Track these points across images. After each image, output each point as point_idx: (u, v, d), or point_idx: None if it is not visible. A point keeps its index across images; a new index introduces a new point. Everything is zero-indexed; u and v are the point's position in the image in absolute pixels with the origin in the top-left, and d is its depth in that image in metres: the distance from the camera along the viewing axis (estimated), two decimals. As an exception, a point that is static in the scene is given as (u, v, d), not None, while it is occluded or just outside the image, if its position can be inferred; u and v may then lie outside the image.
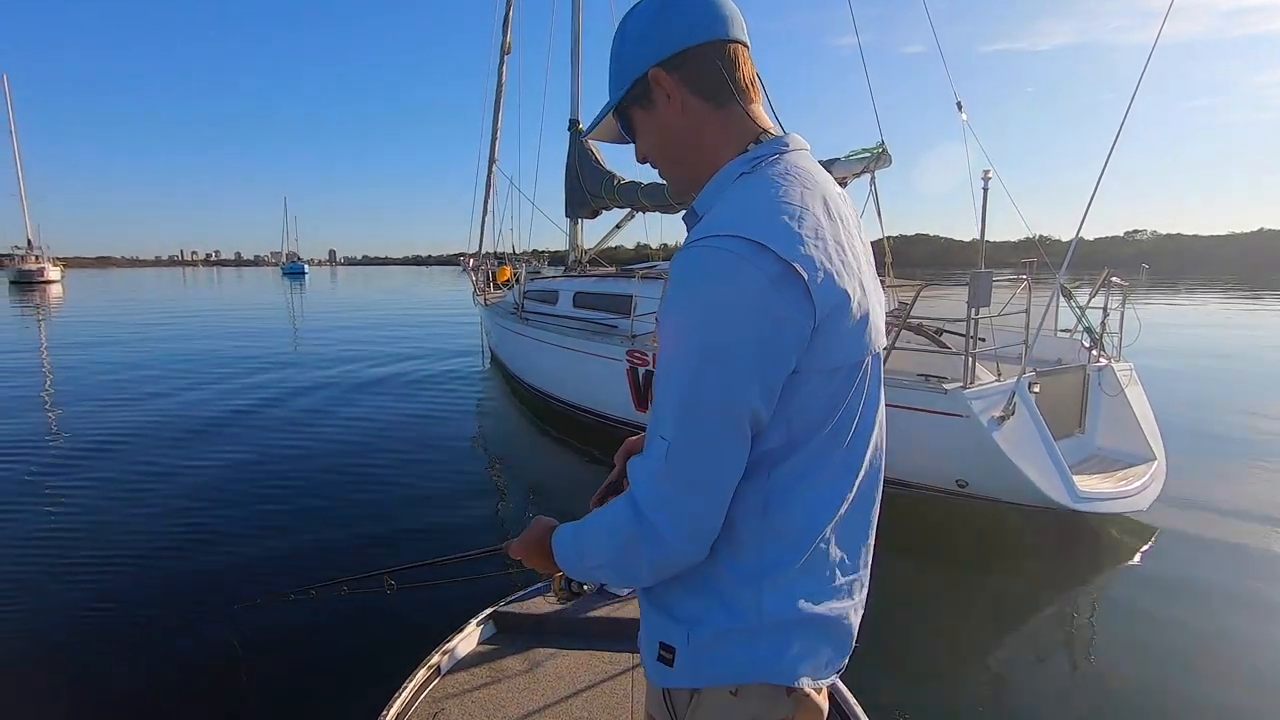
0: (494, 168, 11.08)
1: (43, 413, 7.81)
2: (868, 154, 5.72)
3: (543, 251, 12.42)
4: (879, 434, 0.85)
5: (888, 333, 5.10)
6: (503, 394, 8.96)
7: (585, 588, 1.07)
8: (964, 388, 4.10)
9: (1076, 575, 3.86)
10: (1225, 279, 48.16)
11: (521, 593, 2.48)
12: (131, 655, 2.92)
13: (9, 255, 56.72)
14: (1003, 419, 3.99)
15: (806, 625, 0.78)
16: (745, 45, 0.83)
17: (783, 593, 0.77)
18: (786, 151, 0.80)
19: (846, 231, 0.77)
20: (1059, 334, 5.39)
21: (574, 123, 9.20)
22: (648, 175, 7.71)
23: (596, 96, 10.55)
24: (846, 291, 0.72)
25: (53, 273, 50.15)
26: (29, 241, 53.21)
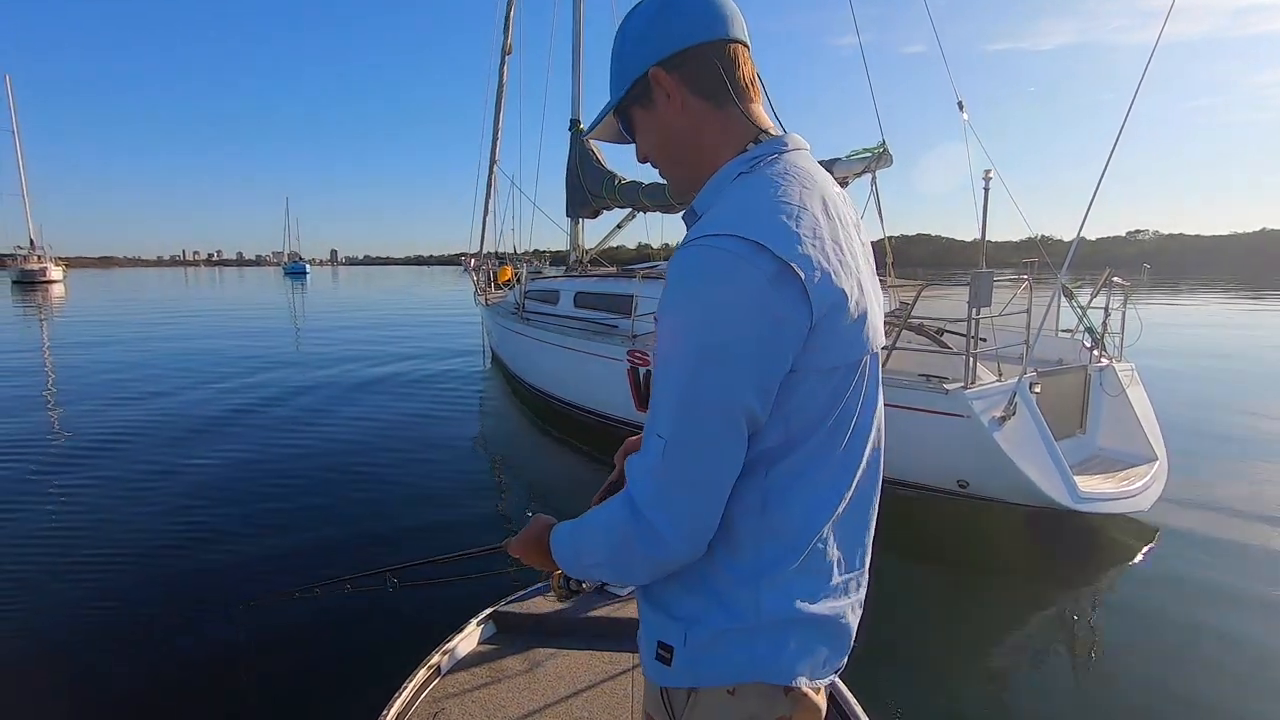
0: (495, 168, 11.09)
1: (45, 412, 7.83)
2: (869, 154, 5.72)
3: (544, 251, 12.43)
4: (878, 433, 0.85)
5: (889, 333, 5.11)
6: (504, 394, 8.97)
7: (584, 586, 1.07)
8: (965, 388, 4.10)
9: (1077, 575, 3.85)
10: (1227, 279, 48.08)
11: (521, 592, 2.48)
12: (134, 654, 2.93)
13: (11, 255, 56.82)
14: (1004, 419, 3.99)
15: (804, 625, 0.78)
16: (745, 45, 0.83)
17: (780, 592, 0.77)
18: (785, 151, 0.80)
19: (845, 231, 0.77)
20: (1060, 334, 5.38)
21: (575, 123, 9.20)
22: (649, 175, 7.71)
23: (597, 96, 10.56)
24: (844, 291, 0.72)
25: (55, 273, 50.21)
26: (31, 241, 53.29)
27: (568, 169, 8.78)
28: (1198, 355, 11.49)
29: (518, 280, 9.52)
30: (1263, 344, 13.56)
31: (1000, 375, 4.37)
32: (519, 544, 0.96)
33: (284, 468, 5.57)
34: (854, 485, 0.82)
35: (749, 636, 0.77)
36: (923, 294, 5.03)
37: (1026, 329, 4.46)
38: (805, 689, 0.80)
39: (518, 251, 11.82)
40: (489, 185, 11.23)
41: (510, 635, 2.31)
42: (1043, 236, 6.03)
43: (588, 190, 8.39)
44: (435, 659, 2.09)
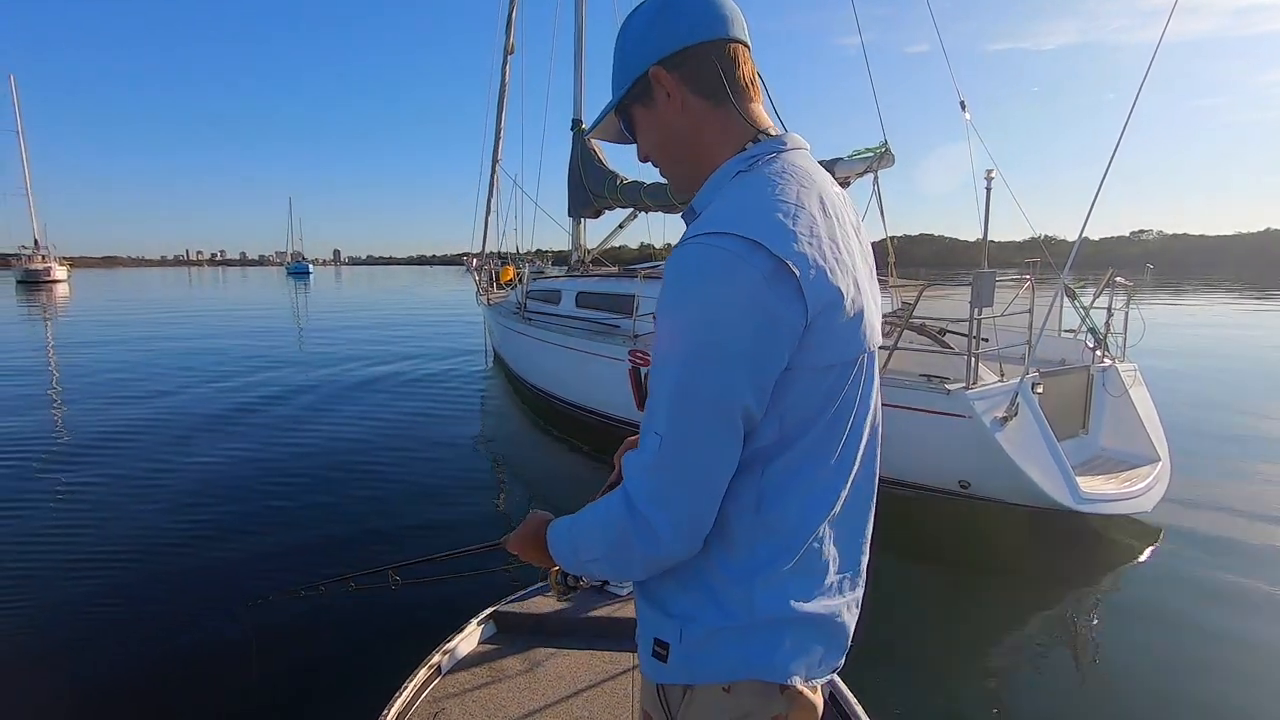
0: (497, 168, 11.09)
1: (50, 410, 7.86)
2: (871, 154, 5.71)
3: (546, 251, 12.43)
4: (874, 432, 0.86)
5: (890, 333, 5.09)
6: (505, 393, 8.97)
7: (582, 582, 1.07)
8: (966, 388, 4.09)
9: (1080, 576, 3.84)
10: (1232, 279, 47.91)
11: (522, 592, 2.48)
12: (136, 651, 2.94)
13: (16, 255, 57.01)
14: (1005, 420, 3.98)
15: (799, 623, 0.79)
16: (746, 45, 0.83)
17: (775, 590, 0.77)
18: (784, 150, 0.80)
19: (843, 229, 0.78)
20: (1063, 334, 5.37)
21: (577, 122, 9.21)
22: (650, 175, 7.71)
23: (599, 96, 10.57)
24: (840, 289, 0.73)
25: (59, 272, 50.38)
26: (35, 241, 53.47)
27: (570, 169, 8.78)
28: (1201, 355, 11.46)
29: (520, 280, 9.53)
30: (1265, 344, 13.52)
31: (1002, 376, 4.36)
32: (516, 540, 0.97)
33: (287, 465, 5.59)
34: (850, 484, 0.82)
35: (743, 635, 0.77)
36: (924, 294, 5.03)
37: (1029, 329, 4.45)
38: (801, 687, 0.80)
39: (520, 251, 11.83)
40: (491, 185, 11.24)
41: (510, 635, 2.31)
42: (1046, 236, 6.02)
43: (590, 190, 8.39)
44: (436, 658, 2.09)
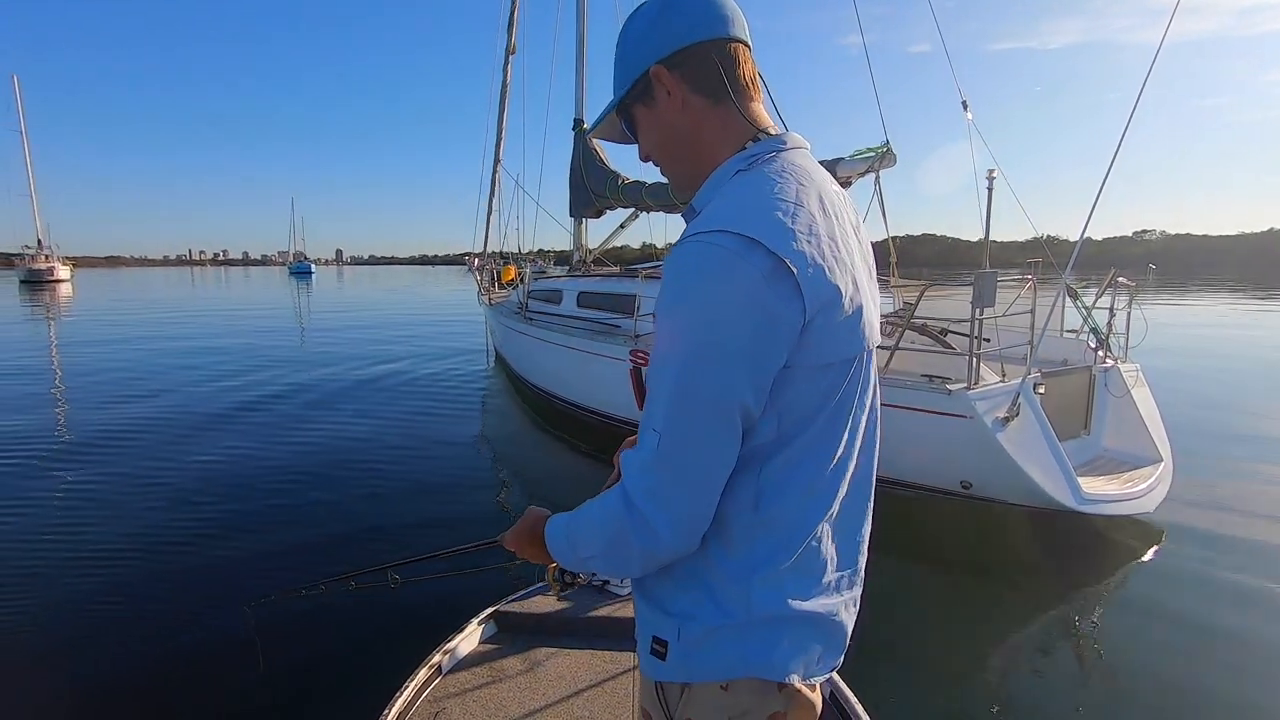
0: (499, 168, 11.10)
1: (54, 409, 7.89)
2: (872, 153, 5.70)
3: (548, 251, 12.44)
4: (873, 430, 0.86)
5: (892, 333, 5.07)
6: (507, 393, 8.98)
7: (580, 578, 1.07)
8: (968, 389, 4.08)
9: (1082, 577, 3.83)
10: (1235, 279, 47.77)
11: (522, 592, 2.48)
12: (138, 650, 2.94)
13: (19, 255, 57.18)
14: (1007, 420, 3.97)
15: (797, 621, 0.79)
16: (746, 44, 0.84)
17: (772, 589, 0.77)
18: (784, 149, 0.81)
19: (842, 228, 0.78)
20: (1065, 334, 5.36)
21: (578, 122, 9.21)
22: (652, 175, 7.71)
23: (600, 96, 10.55)
24: (838, 287, 0.73)
25: (62, 272, 50.52)
26: (39, 241, 53.64)
27: (571, 169, 8.79)
28: (1204, 355, 11.43)
29: (521, 280, 9.53)
30: (1268, 344, 13.48)
31: (1004, 376, 4.35)
32: (513, 537, 0.97)
33: (288, 464, 5.60)
34: (848, 482, 0.82)
35: (741, 633, 0.77)
36: (926, 294, 5.02)
37: (1031, 329, 4.44)
38: (799, 685, 0.80)
39: (522, 251, 11.84)
40: (493, 185, 11.25)
41: (511, 635, 2.31)
42: (1048, 236, 6.01)
43: (591, 190, 8.39)
44: (436, 658, 2.09)
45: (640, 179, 7.91)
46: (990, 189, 4.43)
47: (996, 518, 4.26)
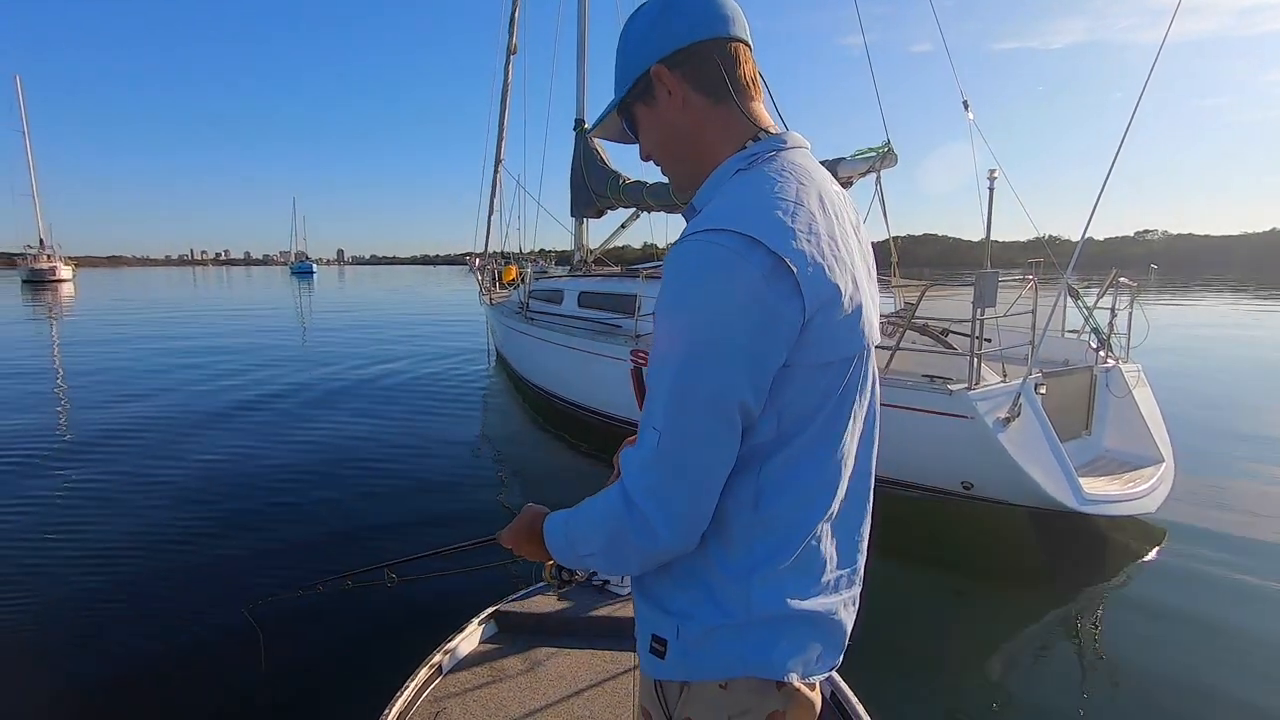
0: (500, 168, 11.11)
1: (56, 408, 7.90)
2: (873, 153, 5.70)
3: (549, 251, 12.45)
4: (873, 429, 0.86)
5: (893, 333, 5.05)
6: (507, 393, 8.98)
7: (577, 575, 1.07)
8: (969, 389, 4.08)
9: (1083, 577, 3.83)
10: (1238, 279, 47.67)
11: (523, 591, 2.48)
12: (141, 649, 2.95)
13: (22, 254, 57.31)
14: (1008, 420, 3.97)
15: (795, 621, 0.79)
16: (747, 44, 0.84)
17: (771, 588, 0.77)
18: (784, 149, 0.81)
19: (841, 227, 0.78)
20: (1066, 335, 5.35)
21: (579, 122, 9.21)
22: (653, 176, 7.71)
23: (602, 96, 10.55)
24: (838, 286, 0.73)
25: (64, 272, 50.61)
26: (41, 240, 53.73)
27: (572, 169, 8.79)
28: (1206, 356, 11.41)
29: (522, 280, 9.54)
30: (1269, 344, 13.45)
31: (1005, 376, 4.35)
32: (510, 534, 0.97)
33: (290, 463, 5.61)
34: (848, 481, 0.82)
35: (740, 632, 0.78)
36: (927, 294, 5.02)
37: (1032, 329, 4.44)
38: (798, 684, 0.80)
39: (523, 251, 11.85)
40: (494, 185, 11.26)
41: (511, 634, 2.31)
42: (1050, 236, 6.00)
43: (592, 190, 8.40)
44: (437, 658, 2.09)
45: (641, 179, 7.91)
46: (992, 189, 4.43)
47: (998, 518, 4.25)
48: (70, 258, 60.95)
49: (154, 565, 3.75)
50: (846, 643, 0.85)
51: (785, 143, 0.81)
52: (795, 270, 0.69)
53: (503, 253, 12.33)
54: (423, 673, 2.02)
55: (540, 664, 2.16)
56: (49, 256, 52.24)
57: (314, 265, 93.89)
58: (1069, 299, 4.91)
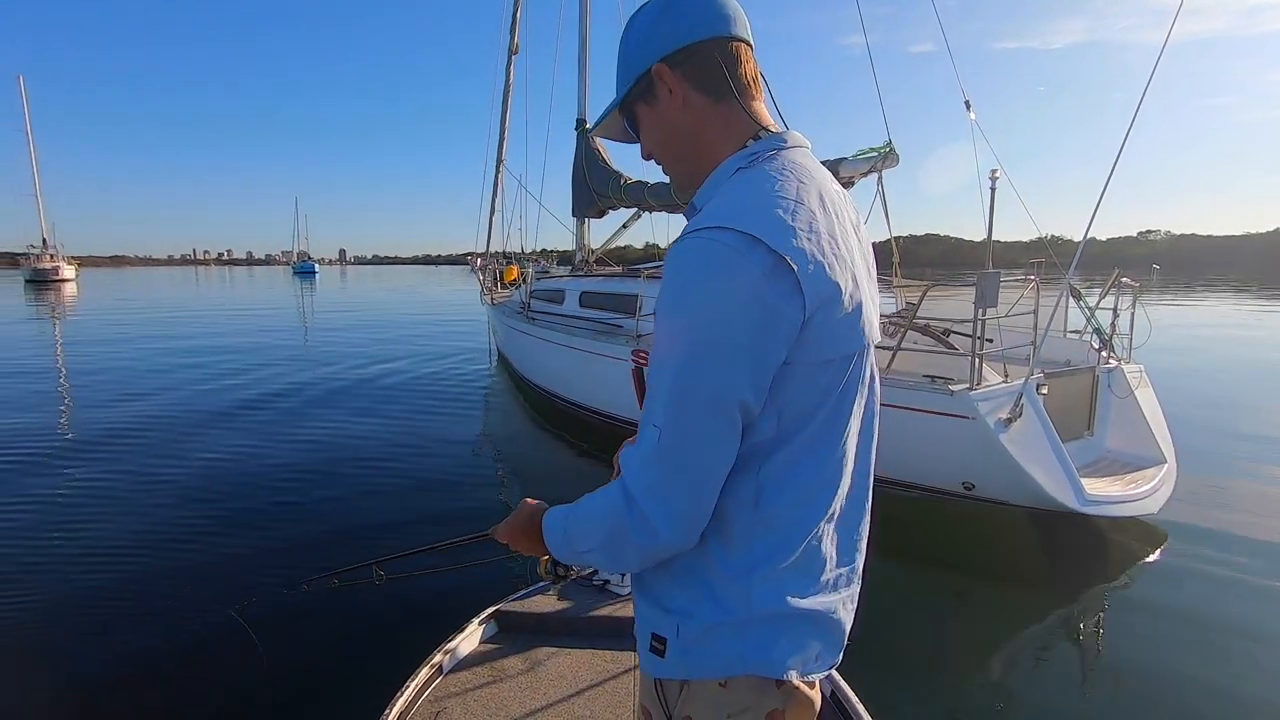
0: (502, 168, 11.11)
1: (59, 407, 7.91)
2: (875, 153, 5.69)
3: (550, 251, 12.46)
4: (873, 428, 0.86)
5: (895, 333, 5.05)
6: (509, 393, 8.99)
7: (573, 571, 1.07)
8: (970, 389, 4.07)
9: (1085, 578, 3.82)
10: (1241, 279, 47.55)
11: (523, 591, 2.48)
12: (143, 647, 2.95)
13: (25, 254, 57.46)
14: (1010, 421, 3.96)
15: (795, 619, 0.79)
16: (748, 43, 0.84)
17: (772, 586, 0.78)
18: (785, 148, 0.81)
19: (842, 226, 0.78)
20: (1068, 335, 5.34)
21: (581, 122, 9.21)
22: (654, 176, 7.71)
23: (603, 96, 10.51)
24: (838, 284, 0.73)
25: (67, 271, 50.71)
26: (44, 240, 53.83)
27: (574, 169, 8.79)
28: (1209, 356, 11.38)
29: (524, 280, 9.55)
30: (1271, 344, 13.41)
31: (1006, 377, 4.34)
32: (506, 529, 0.96)
33: (293, 462, 5.63)
34: (848, 480, 0.82)
35: (739, 630, 0.78)
36: (929, 294, 5.01)
37: (1034, 330, 4.43)
38: (797, 682, 0.80)
39: (524, 251, 11.86)
40: (496, 185, 11.26)
41: (512, 634, 2.31)
42: (1052, 236, 5.99)
43: (594, 190, 8.40)
44: (437, 658, 2.09)
45: (643, 179, 7.91)
46: (993, 189, 4.43)
47: (999, 519, 4.25)
48: (73, 257, 61.08)
49: (156, 563, 3.76)
50: (845, 641, 0.85)
51: (786, 142, 0.82)
52: (796, 268, 0.69)
53: (504, 253, 12.34)
54: (423, 672, 2.02)
55: (541, 664, 2.16)
56: (52, 256, 52.32)
57: (316, 265, 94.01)
58: (1071, 299, 4.90)
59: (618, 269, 8.64)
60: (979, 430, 3.96)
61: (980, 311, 4.12)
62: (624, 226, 9.34)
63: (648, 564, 0.81)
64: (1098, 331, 5.07)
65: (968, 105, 5.88)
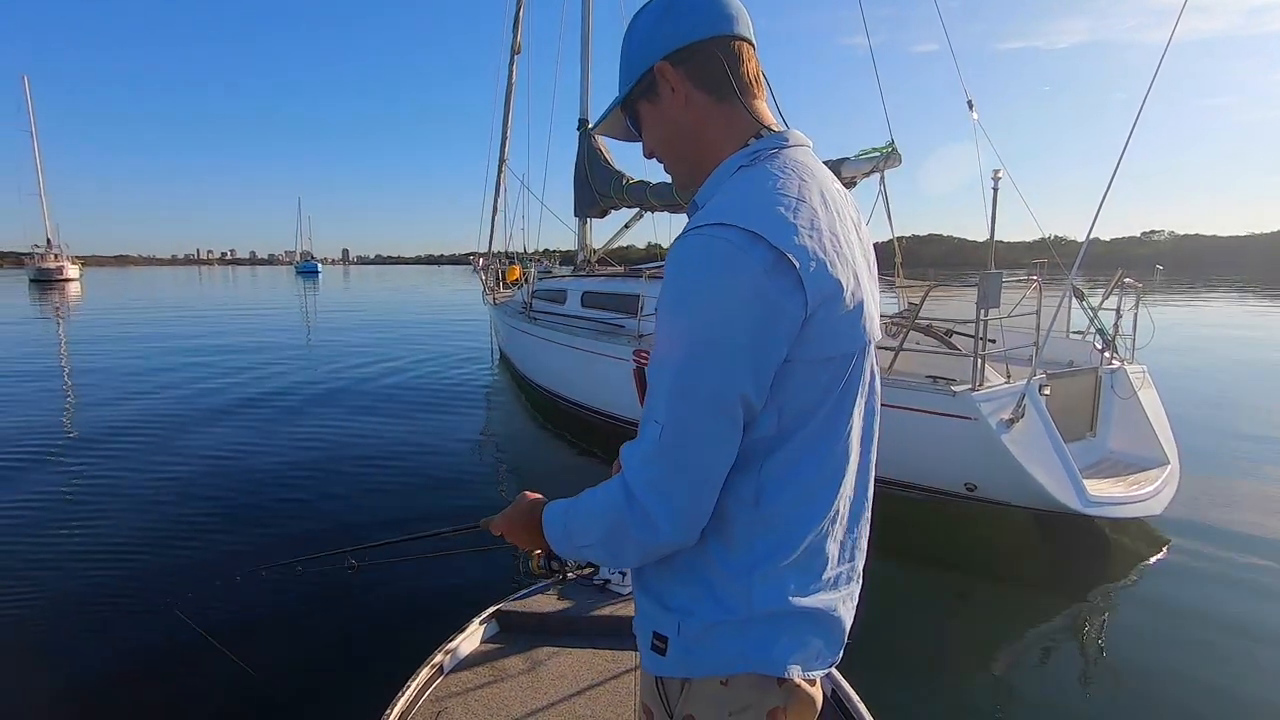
0: (504, 168, 11.12)
1: (63, 405, 7.94)
2: (877, 153, 5.69)
3: (552, 251, 12.46)
4: (874, 427, 0.86)
5: (897, 334, 5.04)
6: (511, 392, 9.00)
7: (566, 566, 1.06)
8: (973, 390, 4.06)
9: (1087, 579, 3.81)
10: (1245, 279, 47.38)
11: (524, 591, 2.48)
12: (144, 644, 2.96)
13: (29, 254, 57.63)
14: (1012, 421, 3.95)
15: (796, 617, 0.79)
16: (750, 42, 0.85)
17: (772, 585, 0.78)
18: (786, 146, 0.81)
19: (843, 224, 0.78)
20: (1071, 335, 5.33)
21: (583, 122, 9.22)
22: (656, 176, 7.71)
23: (606, 96, 10.51)
24: (839, 281, 0.73)
25: (71, 271, 50.85)
26: (48, 240, 53.99)
27: (576, 168, 8.79)
28: (1211, 356, 11.34)
29: (526, 280, 9.55)
30: (1272, 344, 13.36)
31: (1009, 377, 4.33)
32: (503, 521, 0.96)
33: (295, 460, 5.64)
34: (849, 478, 0.82)
35: (740, 629, 0.78)
36: (931, 294, 5.00)
37: (1036, 330, 4.42)
38: (798, 680, 0.80)
39: (526, 251, 11.87)
40: (498, 185, 11.26)
41: (513, 634, 2.31)
42: (1055, 237, 5.98)
43: (596, 190, 8.40)
44: (438, 658, 2.09)
45: (645, 179, 7.91)
46: (996, 189, 4.41)
47: (1001, 520, 4.24)
48: (77, 257, 61.24)
49: (158, 560, 3.77)
50: (845, 639, 0.85)
51: (787, 140, 0.82)
52: (797, 265, 0.69)
53: (507, 253, 12.34)
54: (424, 672, 2.02)
55: (542, 663, 2.16)
56: (56, 256, 52.47)
57: (319, 265, 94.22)
58: (1074, 300, 4.89)
59: (620, 269, 8.64)
60: (981, 431, 3.96)
61: (983, 312, 4.11)
62: (626, 226, 9.35)
63: (647, 560, 0.81)
64: (1101, 332, 5.05)
65: (971, 105, 5.87)
